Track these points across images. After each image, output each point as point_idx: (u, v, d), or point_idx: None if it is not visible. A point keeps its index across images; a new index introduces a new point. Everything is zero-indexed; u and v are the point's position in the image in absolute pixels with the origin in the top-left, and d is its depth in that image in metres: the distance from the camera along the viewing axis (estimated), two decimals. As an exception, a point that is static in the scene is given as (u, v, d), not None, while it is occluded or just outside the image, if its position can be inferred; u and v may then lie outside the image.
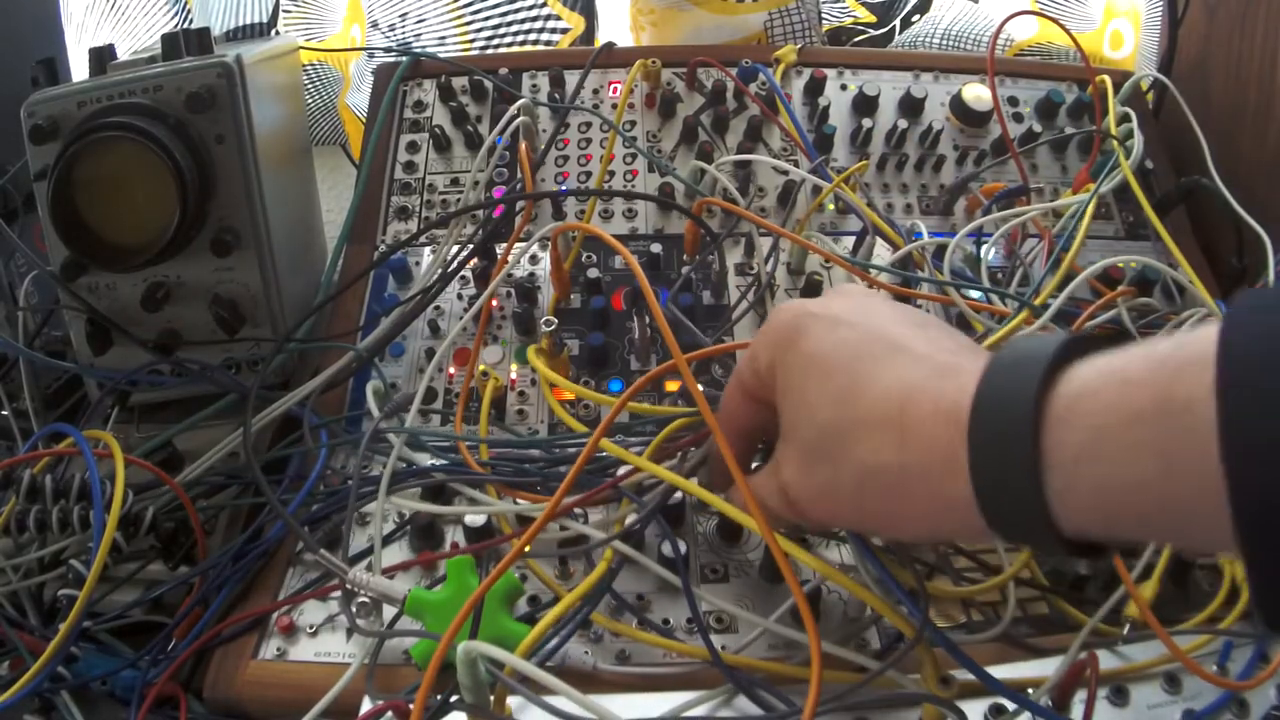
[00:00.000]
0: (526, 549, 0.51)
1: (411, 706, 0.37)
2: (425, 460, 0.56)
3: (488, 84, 0.78)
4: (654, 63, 0.75)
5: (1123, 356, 0.28)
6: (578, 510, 0.52)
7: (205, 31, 0.62)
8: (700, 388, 0.43)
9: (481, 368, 0.61)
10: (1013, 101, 0.78)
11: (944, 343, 0.34)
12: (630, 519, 0.48)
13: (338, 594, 0.48)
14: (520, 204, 0.69)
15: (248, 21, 0.96)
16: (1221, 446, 0.24)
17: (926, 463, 0.31)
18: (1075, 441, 0.27)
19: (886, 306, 0.37)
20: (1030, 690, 0.42)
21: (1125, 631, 0.45)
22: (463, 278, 0.69)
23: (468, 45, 1.04)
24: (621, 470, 0.50)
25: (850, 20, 1.02)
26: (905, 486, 0.32)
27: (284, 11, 1.00)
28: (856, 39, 1.02)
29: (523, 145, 0.69)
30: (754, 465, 0.46)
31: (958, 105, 0.76)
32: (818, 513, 0.37)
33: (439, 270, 0.67)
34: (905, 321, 0.36)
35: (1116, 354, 0.28)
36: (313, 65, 1.06)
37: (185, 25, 0.99)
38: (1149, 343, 0.28)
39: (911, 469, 0.32)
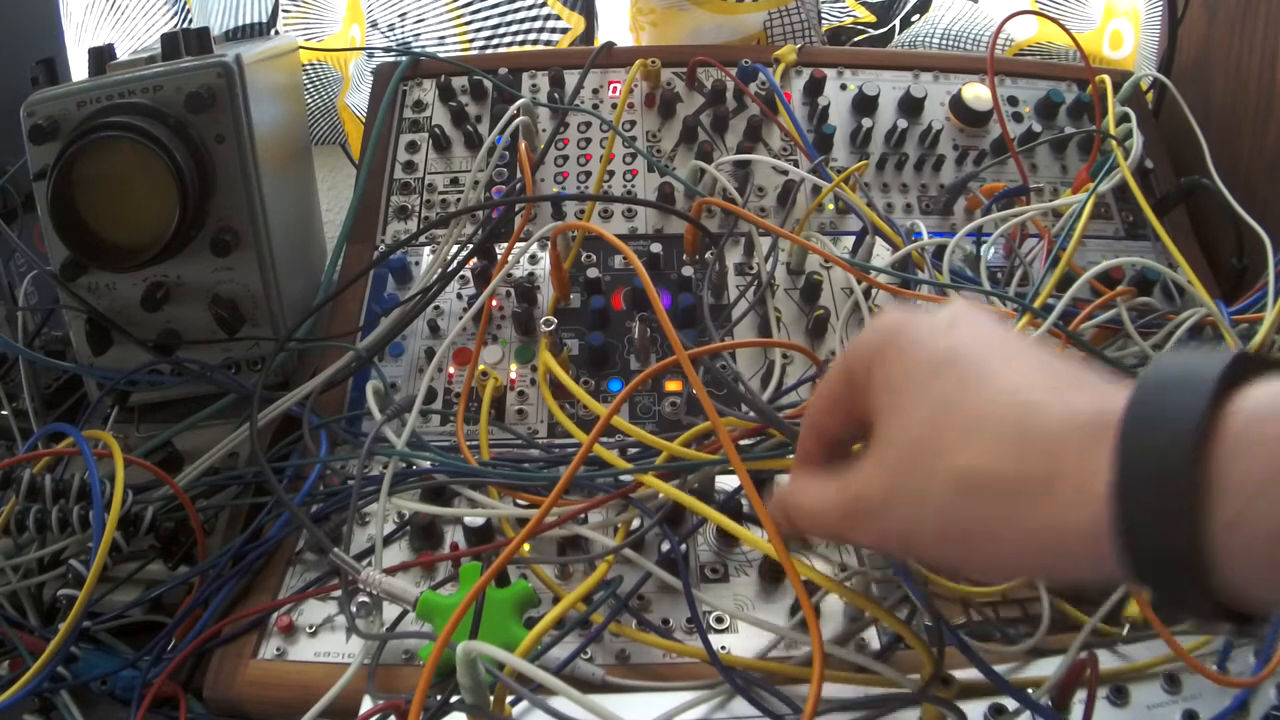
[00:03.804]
0: (526, 549, 0.51)
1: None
2: (425, 462, 0.56)
3: (487, 84, 0.78)
4: (654, 63, 0.75)
5: None
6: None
7: (205, 31, 0.62)
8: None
9: (481, 368, 0.61)
10: (1012, 101, 0.78)
11: (1063, 360, 0.30)
12: (634, 524, 0.48)
13: (338, 594, 0.48)
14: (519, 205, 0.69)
15: (247, 21, 0.96)
16: None
17: (1050, 474, 0.27)
18: (1254, 470, 0.23)
19: (998, 321, 0.33)
20: (1030, 690, 0.42)
21: (1125, 631, 0.46)
22: (462, 278, 0.69)
23: (467, 45, 1.04)
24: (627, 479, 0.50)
25: (850, 20, 1.02)
26: (1016, 502, 0.27)
27: (283, 11, 1.00)
28: (856, 39, 1.02)
29: (522, 145, 0.69)
30: None
31: (957, 105, 0.76)
32: (889, 531, 0.32)
33: (439, 270, 0.67)
34: (1019, 336, 0.32)
35: None
36: (312, 65, 1.06)
37: (185, 25, 0.99)
38: None
39: (1029, 481, 0.27)
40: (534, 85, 0.79)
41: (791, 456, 0.48)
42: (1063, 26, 0.77)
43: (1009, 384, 0.29)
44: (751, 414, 0.48)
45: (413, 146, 0.77)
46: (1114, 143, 0.69)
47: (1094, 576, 0.27)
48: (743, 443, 0.49)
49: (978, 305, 0.35)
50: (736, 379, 0.52)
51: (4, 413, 0.67)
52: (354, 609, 0.47)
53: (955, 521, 0.29)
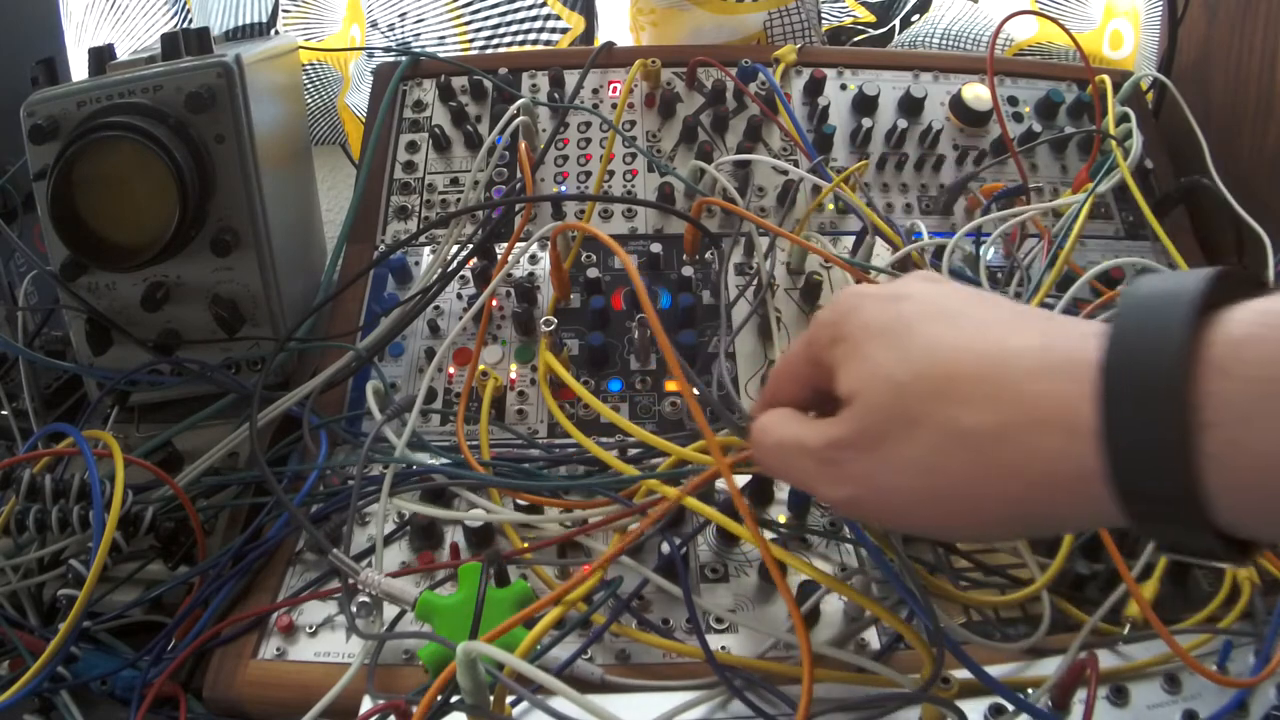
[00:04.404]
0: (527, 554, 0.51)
1: (414, 708, 0.38)
2: (425, 459, 0.56)
3: (487, 84, 0.78)
4: (654, 63, 0.75)
5: None
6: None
7: (205, 31, 0.62)
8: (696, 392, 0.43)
9: (481, 368, 0.61)
10: (1012, 101, 0.78)
11: (1027, 307, 0.30)
12: (634, 527, 0.48)
13: (338, 594, 0.48)
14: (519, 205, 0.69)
15: (247, 21, 0.96)
16: None
17: (1035, 421, 0.26)
18: (1239, 396, 0.23)
19: (951, 283, 0.33)
20: (1030, 690, 0.42)
21: (1125, 631, 0.46)
22: (462, 278, 0.69)
23: (467, 45, 1.04)
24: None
25: (850, 20, 1.02)
26: (1003, 453, 0.27)
27: (283, 11, 1.00)
28: (856, 39, 1.02)
29: (522, 145, 0.69)
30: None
31: (957, 105, 0.76)
32: (869, 485, 0.31)
33: (439, 270, 0.67)
34: (974, 290, 0.32)
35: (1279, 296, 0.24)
36: (312, 65, 1.06)
37: (185, 25, 0.99)
38: None
39: (1012, 428, 0.26)
40: (534, 85, 0.79)
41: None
42: (1063, 26, 0.77)
43: (976, 336, 0.28)
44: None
45: (413, 146, 0.77)
46: (1114, 143, 0.69)
47: (1084, 523, 0.28)
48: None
49: (929, 273, 0.35)
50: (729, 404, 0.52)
51: (4, 413, 0.67)
52: (354, 609, 0.47)
53: (941, 478, 0.28)
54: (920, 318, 0.30)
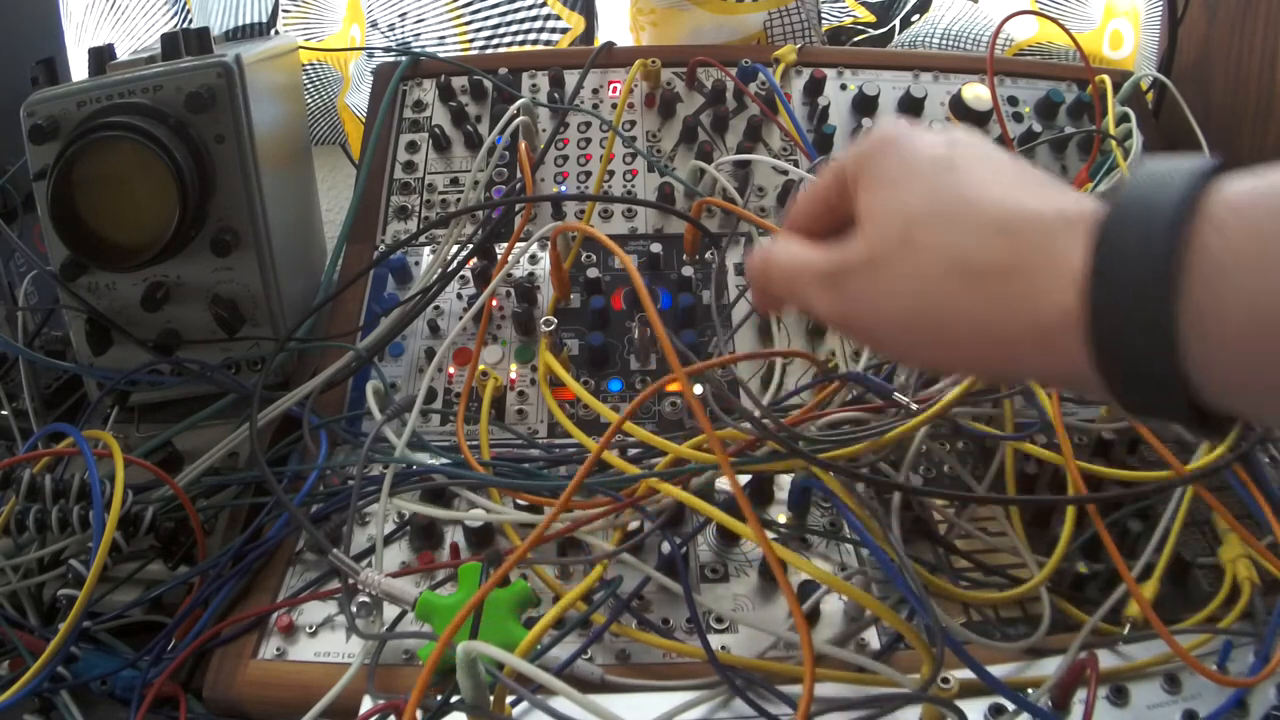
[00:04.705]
0: (529, 555, 0.51)
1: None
2: (425, 458, 0.56)
3: (487, 84, 0.78)
4: (654, 63, 0.75)
5: None
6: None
7: (205, 31, 0.62)
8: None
9: (481, 368, 0.61)
10: (1012, 101, 0.78)
11: (1053, 178, 0.31)
12: (633, 525, 0.48)
13: (338, 594, 0.48)
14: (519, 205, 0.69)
15: (247, 21, 0.96)
16: None
17: (1032, 262, 0.27)
18: (1226, 246, 0.23)
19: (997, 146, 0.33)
20: (1030, 690, 0.42)
21: (1125, 631, 0.46)
22: (462, 278, 0.69)
23: (467, 45, 1.04)
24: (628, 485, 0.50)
25: (850, 20, 1.02)
26: (994, 287, 0.28)
27: (283, 11, 1.00)
28: (856, 39, 1.02)
29: (522, 145, 0.69)
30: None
31: (957, 105, 0.76)
32: (862, 302, 0.32)
33: (439, 270, 0.67)
34: (1017, 157, 0.32)
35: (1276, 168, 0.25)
36: (312, 65, 1.06)
37: (185, 25, 0.99)
38: None
39: (1012, 268, 0.27)
40: (534, 85, 0.79)
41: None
42: (1063, 26, 0.78)
43: (1005, 189, 0.29)
44: (745, 425, 0.48)
45: (413, 146, 0.77)
46: (1114, 143, 0.69)
47: (1058, 376, 0.28)
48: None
49: (970, 129, 0.34)
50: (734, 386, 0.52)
51: (4, 413, 0.67)
52: (354, 609, 0.47)
53: (932, 301, 0.29)
54: (956, 160, 0.31)
